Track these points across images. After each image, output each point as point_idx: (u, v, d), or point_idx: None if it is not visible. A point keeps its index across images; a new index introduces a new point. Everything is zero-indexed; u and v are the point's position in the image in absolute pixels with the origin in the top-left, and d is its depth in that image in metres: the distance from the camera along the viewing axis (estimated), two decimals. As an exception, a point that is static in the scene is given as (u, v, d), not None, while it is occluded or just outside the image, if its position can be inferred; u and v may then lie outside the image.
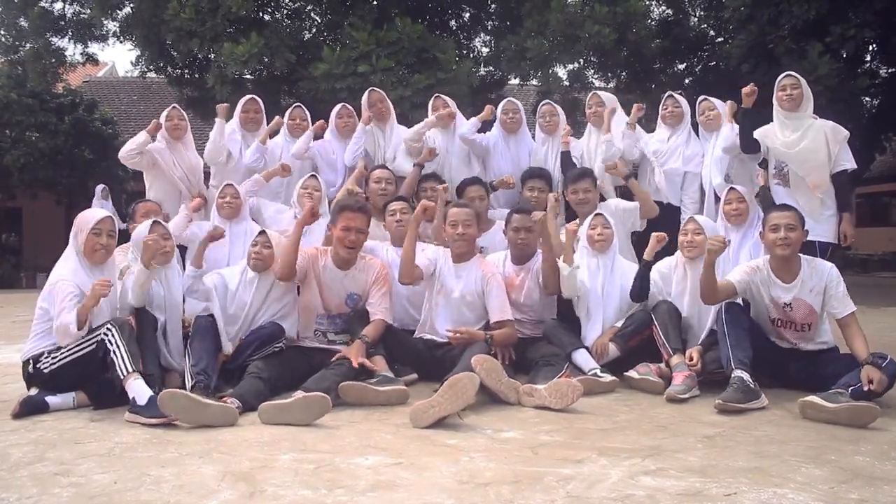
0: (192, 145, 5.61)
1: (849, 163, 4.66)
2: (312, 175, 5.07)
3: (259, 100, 5.76)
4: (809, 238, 3.99)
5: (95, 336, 3.35)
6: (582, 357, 3.99)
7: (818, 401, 3.16)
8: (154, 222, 4.01)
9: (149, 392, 3.19)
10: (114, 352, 3.28)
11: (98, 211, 3.78)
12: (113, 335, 3.32)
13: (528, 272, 4.36)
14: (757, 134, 4.77)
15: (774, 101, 4.78)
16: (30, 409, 3.33)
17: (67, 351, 3.35)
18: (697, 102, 5.37)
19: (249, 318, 3.99)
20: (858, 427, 3.05)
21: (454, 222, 4.14)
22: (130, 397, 3.19)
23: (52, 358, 3.39)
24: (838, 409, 3.10)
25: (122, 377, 3.24)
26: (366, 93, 5.73)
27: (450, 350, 3.82)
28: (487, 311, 4.08)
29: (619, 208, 4.86)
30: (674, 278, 4.20)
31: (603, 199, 5.06)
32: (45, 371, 3.40)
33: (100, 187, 11.11)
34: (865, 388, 3.24)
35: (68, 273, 3.48)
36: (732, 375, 3.45)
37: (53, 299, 3.40)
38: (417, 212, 4.09)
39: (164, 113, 5.49)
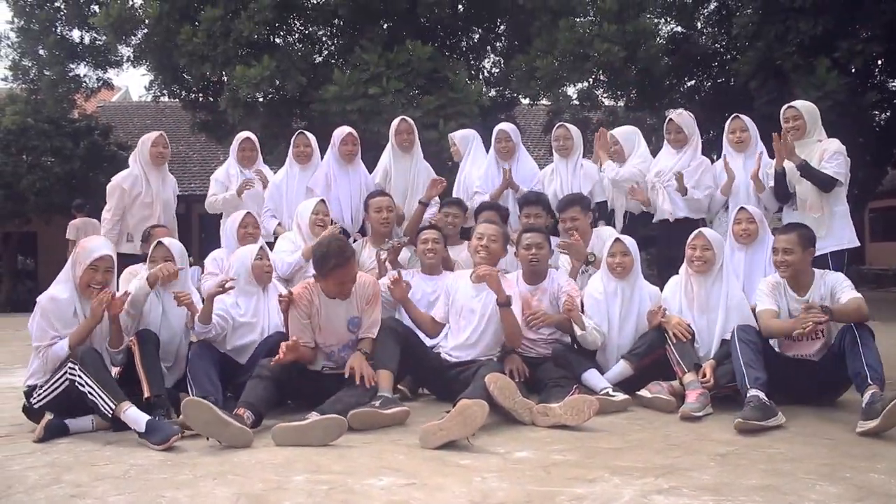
0: (171, 179, 5.69)
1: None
2: (322, 200, 4.94)
3: (254, 138, 5.84)
4: (831, 249, 4.36)
5: (62, 375, 3.31)
6: (593, 376, 3.98)
7: (866, 423, 3.16)
8: (158, 243, 3.97)
9: (145, 417, 3.17)
10: (89, 392, 3.22)
11: (99, 245, 3.61)
12: (78, 374, 3.25)
13: (544, 293, 4.31)
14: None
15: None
16: (51, 433, 3.34)
17: (47, 389, 3.36)
18: (729, 120, 5.13)
19: (257, 330, 4.01)
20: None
21: (480, 235, 4.21)
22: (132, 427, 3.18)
23: (38, 395, 3.41)
24: (883, 417, 3.10)
25: (109, 415, 3.21)
26: (396, 119, 5.64)
27: (462, 371, 3.81)
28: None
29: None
30: (681, 291, 4.18)
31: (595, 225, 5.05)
32: (36, 407, 3.43)
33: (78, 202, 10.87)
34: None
35: (59, 294, 3.46)
36: (749, 395, 3.43)
37: (44, 320, 3.38)
38: (396, 290, 4.19)
39: (151, 138, 5.50)
